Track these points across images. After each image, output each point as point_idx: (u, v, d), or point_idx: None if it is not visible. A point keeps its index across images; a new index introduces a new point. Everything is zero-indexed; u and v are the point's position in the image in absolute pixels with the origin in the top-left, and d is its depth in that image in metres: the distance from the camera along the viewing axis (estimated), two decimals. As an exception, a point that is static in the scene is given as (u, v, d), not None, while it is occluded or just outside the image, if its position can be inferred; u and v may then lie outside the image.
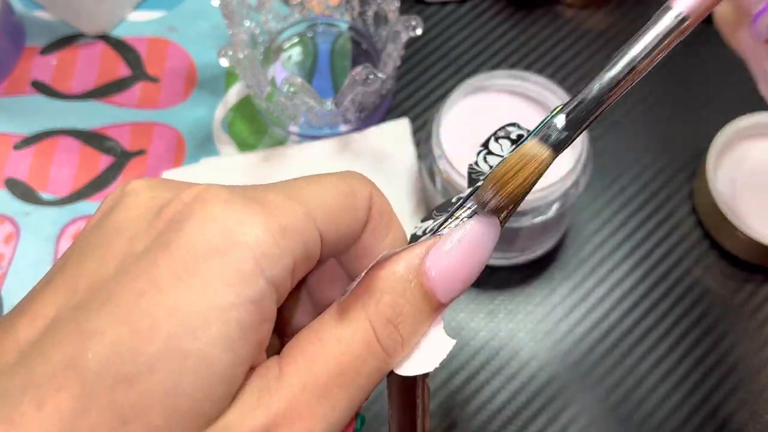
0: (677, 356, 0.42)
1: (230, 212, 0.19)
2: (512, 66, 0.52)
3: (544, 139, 0.21)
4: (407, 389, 0.22)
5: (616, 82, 0.22)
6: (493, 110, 0.42)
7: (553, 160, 0.21)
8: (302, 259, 0.19)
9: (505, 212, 0.21)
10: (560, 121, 0.21)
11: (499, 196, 0.20)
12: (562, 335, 0.43)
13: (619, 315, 0.43)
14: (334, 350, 0.20)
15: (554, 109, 0.21)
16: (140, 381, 0.17)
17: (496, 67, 0.52)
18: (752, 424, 0.40)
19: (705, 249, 0.45)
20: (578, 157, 0.39)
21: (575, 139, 0.21)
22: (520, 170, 0.21)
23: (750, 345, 0.42)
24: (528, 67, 0.51)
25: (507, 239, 0.42)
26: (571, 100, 0.21)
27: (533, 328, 0.43)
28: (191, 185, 0.20)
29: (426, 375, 0.21)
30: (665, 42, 0.22)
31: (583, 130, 0.21)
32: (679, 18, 0.21)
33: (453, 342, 0.21)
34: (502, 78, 0.42)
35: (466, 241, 0.21)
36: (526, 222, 0.40)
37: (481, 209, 0.21)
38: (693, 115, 0.50)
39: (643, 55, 0.22)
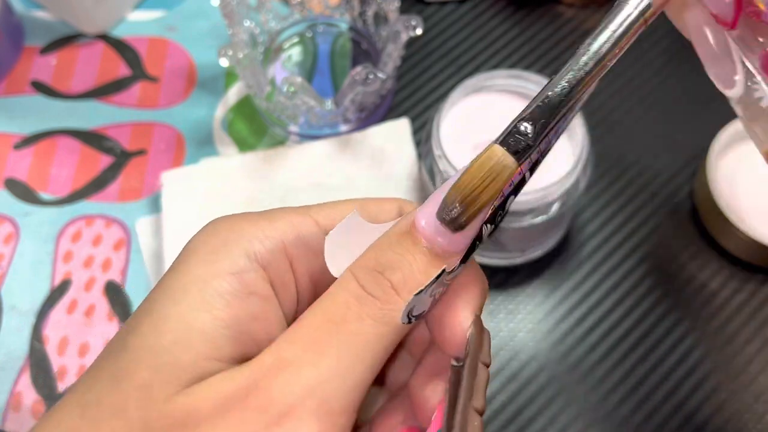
0: (677, 356, 0.42)
1: (228, 218, 0.22)
2: (512, 66, 0.52)
3: (511, 148, 0.20)
4: (454, 378, 0.22)
5: (581, 77, 0.21)
6: (493, 110, 0.42)
7: (517, 168, 0.20)
8: (296, 243, 0.22)
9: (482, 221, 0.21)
10: (526, 126, 0.20)
11: (467, 213, 0.20)
12: (563, 335, 0.43)
13: (620, 315, 0.43)
14: (320, 303, 0.20)
15: (518, 116, 0.20)
16: (131, 344, 0.20)
17: (496, 67, 0.52)
18: (752, 424, 0.40)
19: (705, 249, 0.45)
20: (578, 158, 0.39)
21: (541, 142, 0.20)
22: (490, 183, 0.20)
23: (750, 345, 0.42)
24: (528, 67, 0.51)
25: (507, 239, 0.42)
26: (533, 100, 0.20)
27: (533, 328, 0.43)
28: None
29: (481, 363, 0.21)
30: (630, 31, 0.21)
31: (548, 132, 0.20)
32: (643, 5, 0.21)
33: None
34: (502, 78, 0.42)
35: (453, 181, 0.20)
36: (526, 222, 0.40)
37: (446, 225, 0.20)
38: (693, 115, 0.50)
39: (607, 47, 0.21)
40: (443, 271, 0.21)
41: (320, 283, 0.22)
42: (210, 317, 0.20)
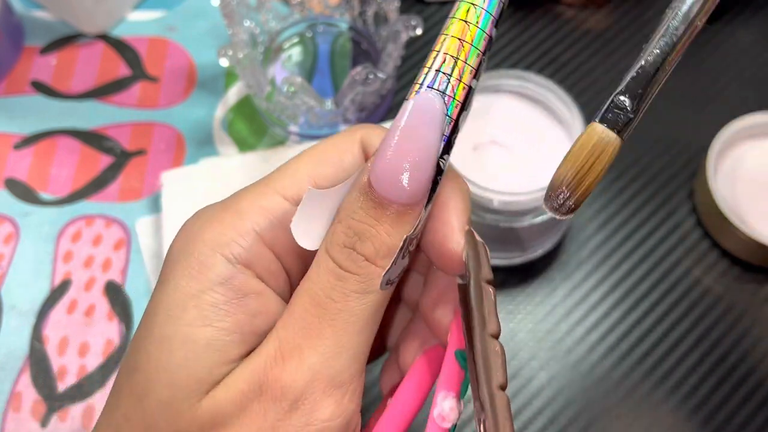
0: (677, 356, 0.42)
1: (195, 220, 0.23)
2: (512, 66, 0.52)
3: (611, 123, 0.19)
4: (463, 297, 0.22)
5: (674, 42, 0.20)
6: (493, 110, 0.42)
7: (620, 143, 0.20)
8: (271, 227, 0.22)
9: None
10: (623, 100, 0.20)
11: (574, 197, 0.20)
12: (563, 335, 0.43)
13: (620, 315, 0.43)
14: (305, 288, 0.21)
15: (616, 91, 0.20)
16: (143, 367, 0.21)
17: (496, 67, 0.52)
18: (752, 424, 0.40)
19: (705, 249, 0.45)
20: (578, 157, 0.39)
21: (641, 114, 0.20)
22: (595, 162, 0.20)
23: (750, 345, 0.42)
24: (528, 67, 0.51)
25: (507, 239, 0.42)
26: (627, 73, 0.20)
27: (533, 328, 0.43)
28: None
29: (484, 281, 0.21)
30: None
31: (647, 103, 0.20)
32: None
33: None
34: (502, 78, 0.42)
35: (398, 129, 0.20)
36: (526, 222, 0.40)
37: (555, 212, 0.20)
38: (693, 115, 0.50)
39: (697, 7, 0.20)
40: (408, 236, 0.21)
41: (306, 254, 0.22)
42: (213, 330, 0.21)
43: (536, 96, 0.42)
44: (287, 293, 0.23)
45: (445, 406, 0.22)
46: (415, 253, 0.25)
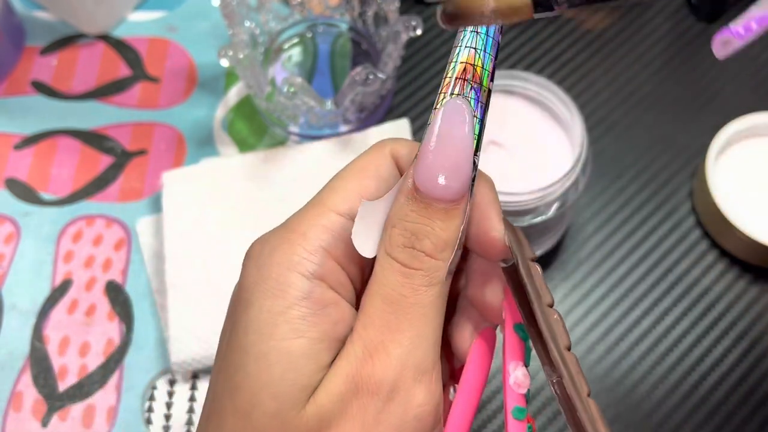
0: (676, 356, 0.42)
1: (261, 247, 0.24)
2: (512, 66, 0.52)
3: None
4: (510, 277, 0.24)
5: None
6: (493, 110, 0.42)
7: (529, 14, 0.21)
8: (334, 242, 0.24)
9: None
10: None
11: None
12: (562, 335, 0.43)
13: (619, 315, 0.43)
14: (375, 290, 0.23)
15: None
16: (245, 384, 0.23)
17: (496, 67, 0.52)
18: (751, 422, 0.40)
19: (705, 249, 0.45)
20: (578, 158, 0.39)
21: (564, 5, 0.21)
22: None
23: (749, 344, 0.42)
24: (528, 67, 0.51)
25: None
26: None
27: (533, 328, 0.43)
28: None
29: (525, 259, 0.23)
30: None
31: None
32: None
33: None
34: (502, 78, 0.43)
35: (434, 135, 0.23)
36: (525, 222, 0.40)
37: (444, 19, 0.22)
38: (693, 115, 0.50)
39: None
40: (463, 226, 0.23)
41: (362, 262, 0.24)
42: (305, 341, 0.23)
43: (536, 96, 0.42)
44: (354, 301, 0.25)
45: (518, 374, 0.24)
46: None
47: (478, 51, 0.24)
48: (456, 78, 0.23)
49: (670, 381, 0.41)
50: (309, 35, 0.52)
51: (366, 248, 0.24)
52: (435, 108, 0.23)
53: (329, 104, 0.45)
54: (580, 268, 0.45)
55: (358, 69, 0.43)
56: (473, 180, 0.23)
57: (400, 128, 0.48)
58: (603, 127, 0.49)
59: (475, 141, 0.23)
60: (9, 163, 0.49)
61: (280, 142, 0.49)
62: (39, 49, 0.53)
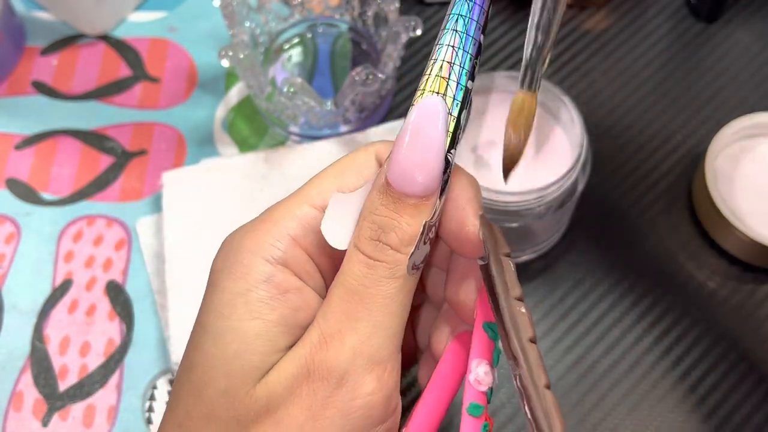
0: (676, 355, 0.42)
1: (234, 234, 0.25)
2: (512, 67, 0.52)
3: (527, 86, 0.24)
4: (486, 275, 0.24)
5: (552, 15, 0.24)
6: (493, 110, 0.43)
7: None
8: (303, 232, 0.24)
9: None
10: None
11: (520, 136, 0.24)
12: (560, 336, 0.43)
13: (619, 314, 0.43)
14: (339, 281, 0.24)
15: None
16: (200, 362, 0.23)
17: (496, 67, 0.52)
18: (750, 423, 0.40)
19: (704, 249, 0.45)
20: (578, 157, 0.39)
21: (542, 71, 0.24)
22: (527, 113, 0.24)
23: (749, 345, 0.42)
24: (528, 68, 0.51)
25: (506, 239, 0.42)
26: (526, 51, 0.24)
27: (533, 328, 0.43)
28: None
29: (501, 256, 0.24)
30: None
31: (543, 61, 0.24)
32: None
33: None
34: (502, 78, 0.43)
35: (407, 131, 0.23)
36: (524, 222, 0.40)
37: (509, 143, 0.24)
38: (692, 115, 0.50)
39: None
40: (427, 222, 0.23)
41: (336, 255, 0.25)
42: (261, 322, 0.23)
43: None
44: (323, 291, 0.25)
45: (479, 371, 0.25)
46: (434, 249, 0.27)
47: (457, 50, 0.24)
48: (434, 75, 0.24)
49: (669, 381, 0.41)
50: (309, 35, 0.52)
51: (336, 239, 0.24)
52: (411, 104, 0.24)
53: (329, 104, 0.45)
54: (579, 269, 0.45)
55: (358, 69, 0.43)
56: (447, 177, 0.24)
57: (399, 128, 0.48)
58: (603, 127, 0.49)
59: (449, 139, 0.23)
60: (9, 163, 0.49)
61: (281, 142, 0.49)
62: (39, 49, 0.53)
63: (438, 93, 0.23)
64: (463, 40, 0.24)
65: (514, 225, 0.40)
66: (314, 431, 0.22)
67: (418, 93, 0.24)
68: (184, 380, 0.24)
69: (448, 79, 0.24)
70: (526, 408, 0.22)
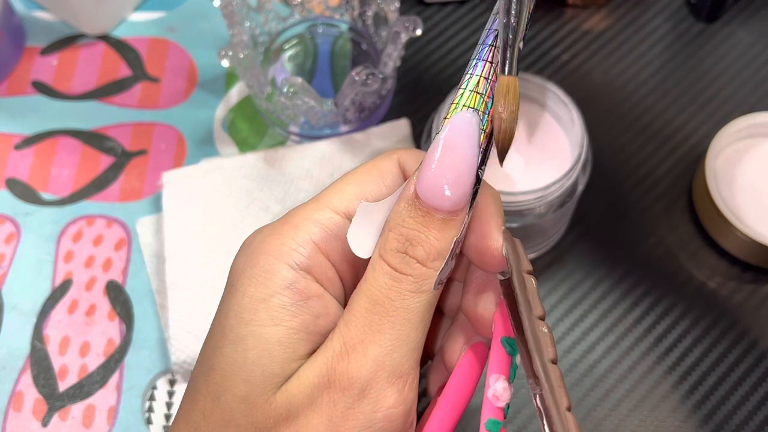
0: (676, 356, 0.42)
1: (254, 236, 0.25)
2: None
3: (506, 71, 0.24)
4: (507, 290, 0.24)
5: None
6: (492, 110, 0.42)
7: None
8: (326, 237, 0.24)
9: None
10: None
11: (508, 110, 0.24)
12: (561, 335, 0.43)
13: (618, 314, 0.43)
14: (363, 290, 0.23)
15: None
16: (219, 366, 0.23)
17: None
18: (750, 423, 0.40)
19: (704, 249, 0.45)
20: (578, 157, 0.39)
21: (516, 52, 0.24)
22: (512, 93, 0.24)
23: (750, 345, 0.42)
24: (528, 68, 0.52)
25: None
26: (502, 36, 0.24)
27: (533, 328, 0.43)
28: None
29: (520, 272, 0.24)
30: None
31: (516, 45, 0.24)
32: None
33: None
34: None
35: (439, 145, 0.23)
36: (525, 222, 0.40)
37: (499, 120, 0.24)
38: (693, 115, 0.50)
39: None
40: (457, 239, 0.23)
41: (357, 262, 0.25)
42: (283, 329, 0.23)
43: (536, 96, 0.42)
44: (342, 298, 0.25)
45: (498, 387, 0.25)
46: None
47: (494, 65, 0.24)
48: (469, 90, 0.23)
49: (670, 381, 0.41)
50: (309, 36, 0.52)
51: (361, 248, 0.24)
52: (445, 118, 0.23)
53: (329, 104, 0.45)
54: (579, 268, 0.45)
55: (358, 69, 0.43)
56: (475, 192, 0.23)
57: (400, 128, 0.48)
58: (603, 127, 0.49)
59: (481, 155, 0.23)
60: (9, 163, 0.49)
61: (281, 142, 0.49)
62: (39, 49, 0.53)
63: (472, 108, 0.23)
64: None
65: (515, 225, 0.40)
66: None
67: (452, 107, 0.23)
68: (201, 383, 0.24)
69: (483, 94, 0.23)
70: (547, 429, 0.22)
